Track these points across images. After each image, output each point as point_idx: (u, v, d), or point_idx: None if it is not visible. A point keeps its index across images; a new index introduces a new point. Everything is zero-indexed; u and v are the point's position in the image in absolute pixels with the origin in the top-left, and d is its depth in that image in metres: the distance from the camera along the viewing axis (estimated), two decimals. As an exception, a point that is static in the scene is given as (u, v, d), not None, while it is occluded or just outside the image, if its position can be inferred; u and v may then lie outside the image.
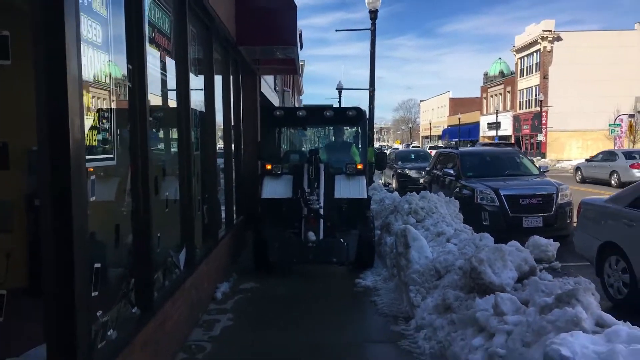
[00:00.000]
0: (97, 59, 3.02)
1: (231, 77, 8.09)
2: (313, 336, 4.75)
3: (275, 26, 8.13)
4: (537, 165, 11.58)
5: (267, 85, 14.59)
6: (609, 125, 38.16)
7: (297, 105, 28.90)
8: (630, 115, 36.00)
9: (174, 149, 4.89)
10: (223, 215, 7.33)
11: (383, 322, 5.15)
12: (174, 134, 4.90)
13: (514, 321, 3.52)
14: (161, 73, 4.53)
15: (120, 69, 3.46)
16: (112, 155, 3.27)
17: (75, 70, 2.53)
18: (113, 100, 3.32)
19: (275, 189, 7.32)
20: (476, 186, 9.97)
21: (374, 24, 14.32)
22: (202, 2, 5.51)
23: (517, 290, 4.34)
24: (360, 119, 8.15)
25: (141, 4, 3.65)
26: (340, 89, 24.88)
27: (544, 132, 46.39)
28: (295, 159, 8.46)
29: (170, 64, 4.78)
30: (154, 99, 4.25)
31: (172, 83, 4.80)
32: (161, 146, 4.63)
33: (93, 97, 3.00)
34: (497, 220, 9.37)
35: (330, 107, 9.00)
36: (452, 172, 11.30)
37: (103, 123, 3.13)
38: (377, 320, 5.25)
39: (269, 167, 7.46)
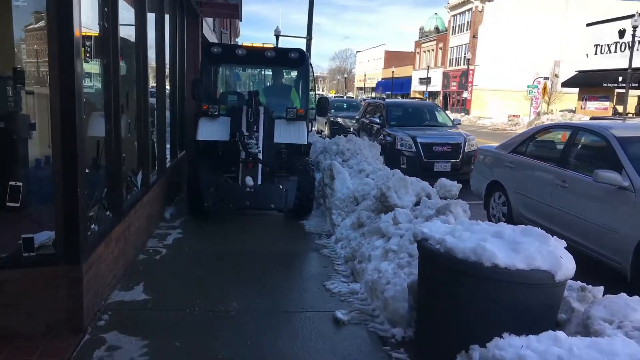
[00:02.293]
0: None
1: (177, 18, 8.57)
2: (249, 246, 5.77)
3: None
4: (452, 118, 12.95)
5: (207, 27, 14.85)
6: (527, 86, 40.98)
7: (234, 48, 28.70)
8: (545, 78, 38.80)
9: (130, 85, 5.56)
10: (169, 148, 8.03)
11: (309, 238, 6.23)
12: (131, 72, 5.55)
13: (405, 227, 4.69)
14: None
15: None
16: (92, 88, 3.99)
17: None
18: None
19: (211, 130, 7.09)
20: (397, 134, 11.21)
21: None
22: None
23: (414, 210, 5.54)
24: (303, 62, 7.92)
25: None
26: (277, 35, 25.14)
27: (469, 90, 48.95)
28: (234, 100, 8.08)
29: (129, 8, 5.38)
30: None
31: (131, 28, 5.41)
32: (124, 82, 5.29)
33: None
34: (413, 164, 10.68)
35: (271, 47, 8.52)
36: (378, 120, 12.51)
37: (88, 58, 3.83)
38: (304, 236, 6.32)
39: (205, 107, 7.22)
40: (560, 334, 2.38)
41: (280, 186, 6.52)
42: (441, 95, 56.19)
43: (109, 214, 4.37)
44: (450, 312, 3.04)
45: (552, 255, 2.85)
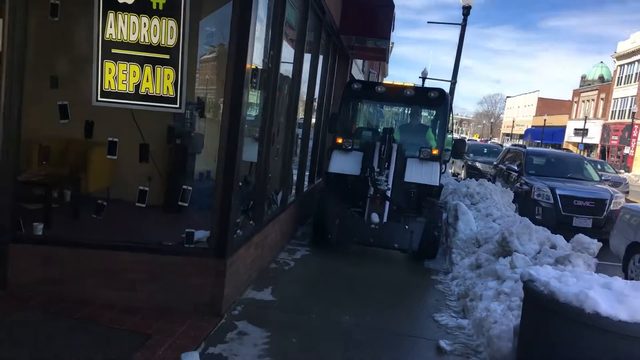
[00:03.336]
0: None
1: (330, 59, 9.49)
2: (370, 271, 6.17)
3: (372, 20, 9.37)
4: (600, 174, 12.16)
5: (356, 67, 15.87)
6: None
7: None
8: None
9: (282, 116, 6.40)
10: (307, 175, 8.83)
11: (427, 273, 6.42)
12: (284, 104, 6.39)
13: (520, 272, 4.73)
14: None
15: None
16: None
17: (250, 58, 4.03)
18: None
19: (343, 164, 7.18)
20: (535, 183, 10.85)
21: (465, 20, 15.04)
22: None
23: (535, 258, 5.51)
24: (442, 102, 7.85)
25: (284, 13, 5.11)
26: (424, 77, 25.62)
27: (632, 146, 44.37)
28: (368, 136, 8.20)
29: (290, 49, 6.26)
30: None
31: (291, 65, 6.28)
32: (277, 113, 6.14)
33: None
34: (550, 216, 10.21)
35: (411, 86, 8.50)
36: (516, 167, 12.20)
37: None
38: (422, 271, 6.52)
39: (339, 141, 7.35)
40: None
41: (407, 226, 6.47)
42: (599, 148, 51.61)
43: (251, 223, 5.11)
44: (549, 355, 3.13)
45: (662, 313, 2.83)
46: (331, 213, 6.54)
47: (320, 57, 8.47)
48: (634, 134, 44.32)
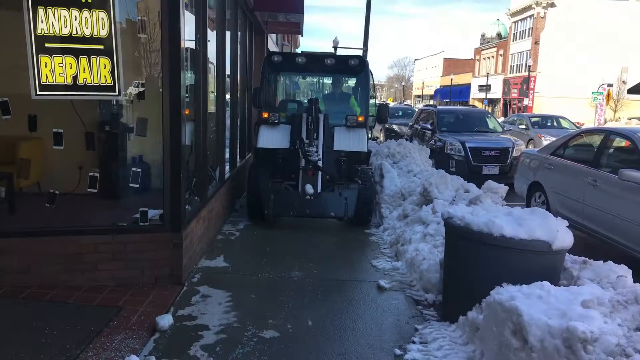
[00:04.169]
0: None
1: (247, 35, 9.71)
2: (309, 232, 6.70)
3: (285, -5, 9.65)
4: (502, 125, 13.42)
5: (271, 41, 16.10)
6: (592, 93, 39.84)
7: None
8: (609, 85, 37.66)
9: (212, 95, 6.64)
10: (239, 150, 9.13)
11: (362, 230, 7.00)
12: (212, 83, 6.63)
13: (441, 212, 5.45)
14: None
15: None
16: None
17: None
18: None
19: (271, 138, 7.17)
20: (447, 139, 11.87)
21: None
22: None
23: (453, 202, 6.27)
24: (363, 69, 7.90)
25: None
26: (335, 47, 26.16)
27: (530, 97, 48.04)
28: (294, 108, 8.22)
29: (212, 29, 6.48)
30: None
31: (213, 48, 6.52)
32: (208, 92, 6.37)
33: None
34: (462, 167, 11.27)
35: (331, 54, 8.47)
36: (429, 126, 13.20)
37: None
38: (358, 229, 7.05)
39: (265, 115, 7.32)
40: (546, 283, 3.12)
41: (341, 194, 6.61)
42: (501, 102, 55.37)
43: (197, 199, 5.42)
44: (468, 274, 3.80)
45: (551, 229, 3.57)
46: (264, 188, 6.59)
47: (239, 34, 8.68)
48: (531, 86, 47.97)
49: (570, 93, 46.78)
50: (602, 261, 3.77)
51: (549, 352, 2.61)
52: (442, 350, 3.49)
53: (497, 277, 3.57)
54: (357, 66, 7.80)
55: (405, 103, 68.76)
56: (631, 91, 36.04)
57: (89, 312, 3.78)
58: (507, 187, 7.38)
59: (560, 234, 3.56)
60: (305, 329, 3.84)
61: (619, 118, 39.94)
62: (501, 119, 47.38)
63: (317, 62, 7.90)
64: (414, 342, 3.64)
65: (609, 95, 36.29)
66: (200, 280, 4.68)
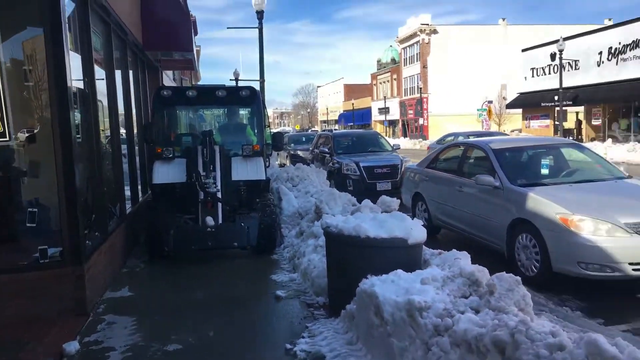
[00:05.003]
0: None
1: (139, 73, 9.99)
2: (216, 259, 7.06)
3: (173, 34, 10.05)
4: (392, 144, 14.65)
5: (167, 77, 16.34)
6: (477, 110, 43.70)
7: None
8: (490, 102, 41.62)
9: (107, 132, 6.89)
10: (140, 186, 9.31)
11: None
12: (105, 121, 6.88)
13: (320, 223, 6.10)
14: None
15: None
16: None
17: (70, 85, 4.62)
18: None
19: (167, 173, 7.07)
20: (343, 160, 12.80)
21: (260, 23, 16.42)
22: (120, 23, 7.47)
23: (341, 217, 6.96)
24: (255, 99, 8.03)
25: (90, 39, 5.69)
26: (236, 78, 26.81)
27: (425, 117, 51.59)
28: (189, 141, 8.17)
29: (102, 70, 6.79)
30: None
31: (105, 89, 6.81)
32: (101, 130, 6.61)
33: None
34: (358, 185, 12.20)
35: (222, 86, 8.47)
36: (327, 150, 14.10)
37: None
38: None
39: (159, 150, 7.23)
40: (399, 270, 3.81)
41: (242, 224, 6.63)
42: (400, 123, 58.81)
43: (97, 234, 5.65)
44: (345, 273, 4.43)
45: (406, 228, 4.30)
46: (164, 224, 6.51)
47: (130, 72, 8.96)
48: (425, 106, 51.57)
49: (459, 111, 50.73)
50: (454, 250, 4.56)
51: (398, 322, 3.27)
52: (326, 340, 4.06)
53: (366, 272, 4.22)
54: (249, 97, 7.97)
55: (312, 129, 70.76)
56: (509, 106, 40.20)
57: (-6, 349, 3.92)
58: (399, 200, 8.11)
59: (414, 232, 4.31)
60: (206, 340, 4.24)
61: (504, 131, 43.94)
62: (401, 139, 50.04)
63: (209, 95, 8.04)
64: (303, 337, 4.18)
65: (490, 111, 39.94)
66: (106, 310, 4.92)
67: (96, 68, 6.21)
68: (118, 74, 7.86)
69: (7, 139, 4.52)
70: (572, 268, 5.30)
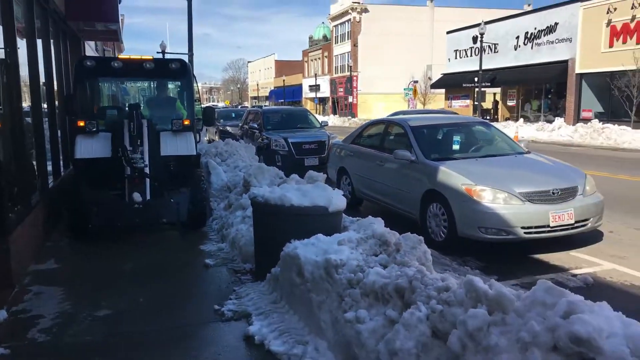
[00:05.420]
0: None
1: (60, 43, 9.63)
2: (143, 233, 7.14)
3: (96, 4, 9.75)
4: (320, 121, 15.04)
5: (90, 48, 15.69)
6: (404, 89, 45.13)
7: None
8: (415, 82, 43.12)
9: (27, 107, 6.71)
10: (62, 160, 9.08)
11: (191, 222, 7.67)
12: (26, 97, 6.70)
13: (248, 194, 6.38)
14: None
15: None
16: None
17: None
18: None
19: (90, 147, 6.81)
20: (272, 136, 13.02)
21: (190, -3, 16.21)
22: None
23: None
24: (185, 73, 7.78)
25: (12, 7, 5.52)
26: (163, 51, 26.03)
27: (354, 95, 52.53)
28: (114, 115, 7.76)
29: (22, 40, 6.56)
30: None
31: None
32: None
33: None
34: (287, 161, 12.50)
35: (150, 58, 8.07)
36: (256, 126, 14.24)
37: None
38: (187, 221, 7.74)
39: (81, 123, 6.91)
40: (320, 235, 4.17)
41: (172, 200, 6.54)
42: (330, 100, 59.49)
43: (20, 207, 5.59)
44: (271, 240, 4.74)
45: (327, 197, 4.67)
46: (87, 200, 6.33)
47: (52, 42, 8.64)
48: (354, 85, 52.45)
49: (387, 89, 52.05)
50: (370, 217, 4.99)
51: (317, 280, 3.64)
52: (252, 301, 4.38)
53: (291, 238, 4.54)
54: (179, 70, 7.68)
55: (242, 105, 69.86)
56: (434, 86, 41.82)
57: None
58: (325, 175, 8.60)
59: (334, 200, 4.68)
60: (137, 306, 4.43)
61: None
62: (331, 116, 50.55)
63: (136, 67, 7.69)
64: (230, 299, 4.47)
65: (415, 90, 41.38)
66: (32, 281, 4.95)
67: (17, 37, 6.02)
68: (39, 43, 7.60)
69: None
70: (474, 233, 5.93)
